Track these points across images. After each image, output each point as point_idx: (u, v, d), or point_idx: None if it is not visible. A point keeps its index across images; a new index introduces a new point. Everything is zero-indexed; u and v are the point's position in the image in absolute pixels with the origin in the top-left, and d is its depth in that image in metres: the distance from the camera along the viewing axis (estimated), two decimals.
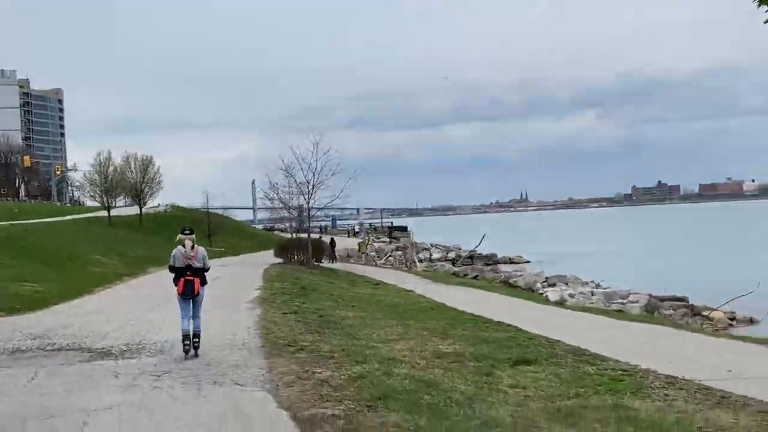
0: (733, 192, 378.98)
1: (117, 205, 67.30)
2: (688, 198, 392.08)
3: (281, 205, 40.71)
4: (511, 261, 53.81)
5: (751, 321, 23.54)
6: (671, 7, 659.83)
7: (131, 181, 59.26)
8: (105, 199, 58.39)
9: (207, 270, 10.45)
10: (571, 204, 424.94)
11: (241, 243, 59.83)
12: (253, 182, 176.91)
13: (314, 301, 18.11)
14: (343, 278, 31.38)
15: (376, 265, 44.33)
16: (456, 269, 38.81)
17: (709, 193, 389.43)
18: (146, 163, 59.74)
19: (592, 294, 24.20)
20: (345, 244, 56.55)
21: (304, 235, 40.40)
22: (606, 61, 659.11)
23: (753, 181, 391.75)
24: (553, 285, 26.96)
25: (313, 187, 37.08)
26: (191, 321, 10.16)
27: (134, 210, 62.59)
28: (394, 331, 13.03)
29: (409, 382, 8.11)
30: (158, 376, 8.83)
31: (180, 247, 10.18)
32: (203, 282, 10.31)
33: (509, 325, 14.35)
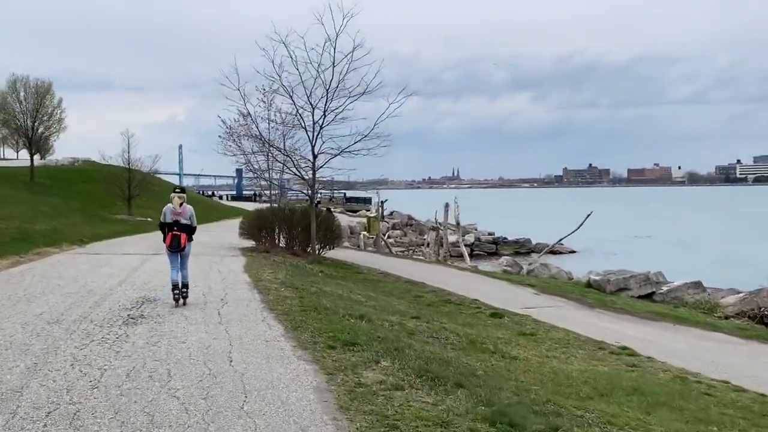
0: (661, 178, 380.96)
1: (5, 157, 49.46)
2: (617, 182, 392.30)
3: (258, 150, 24.51)
4: (552, 251, 39.51)
5: None
6: None
7: (19, 114, 40.76)
8: None
9: (194, 228, 11.29)
10: (503, 183, 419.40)
11: None
12: (180, 147, 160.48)
13: None
14: (406, 293, 16.35)
15: (391, 253, 29.27)
16: (585, 277, 21.05)
17: (637, 177, 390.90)
18: (42, 92, 41.10)
19: None
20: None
21: (297, 205, 24.95)
22: (543, 43, 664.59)
23: (679, 168, 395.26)
24: None
25: (323, 115, 21.24)
26: (180, 272, 10.98)
27: (31, 162, 44.78)
28: None
29: None
30: None
31: (169, 204, 11.07)
32: (189, 238, 11.17)
33: None
